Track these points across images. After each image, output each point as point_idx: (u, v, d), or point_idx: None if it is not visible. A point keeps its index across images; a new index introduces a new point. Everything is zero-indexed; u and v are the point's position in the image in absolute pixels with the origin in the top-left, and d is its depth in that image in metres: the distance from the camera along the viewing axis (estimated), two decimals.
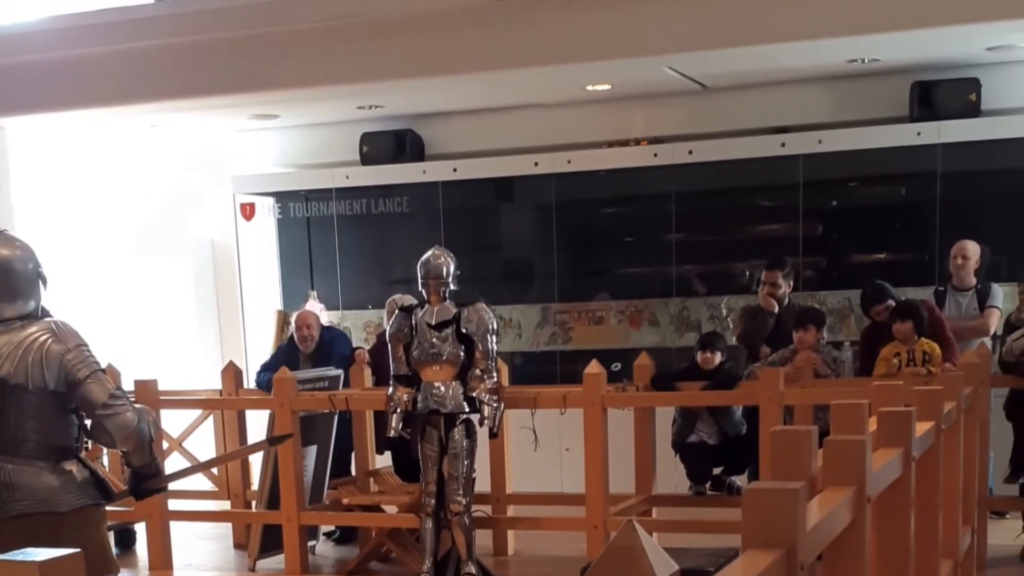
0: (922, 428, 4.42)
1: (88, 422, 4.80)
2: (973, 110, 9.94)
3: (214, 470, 9.66)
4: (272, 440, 6.95)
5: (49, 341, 4.63)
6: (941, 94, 10.01)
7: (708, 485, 8.78)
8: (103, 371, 4.78)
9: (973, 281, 8.95)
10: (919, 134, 9.99)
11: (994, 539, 7.89)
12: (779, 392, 7.62)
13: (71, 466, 4.73)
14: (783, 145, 10.38)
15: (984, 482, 7.68)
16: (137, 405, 4.93)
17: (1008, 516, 8.67)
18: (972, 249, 8.92)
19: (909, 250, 10.22)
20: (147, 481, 5.06)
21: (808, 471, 2.93)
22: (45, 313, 4.88)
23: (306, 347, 9.28)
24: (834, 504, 2.97)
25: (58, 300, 9.83)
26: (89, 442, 4.93)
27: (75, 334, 4.72)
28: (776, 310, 9.04)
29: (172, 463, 9.16)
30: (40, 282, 4.82)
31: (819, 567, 2.92)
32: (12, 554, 2.02)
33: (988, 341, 8.71)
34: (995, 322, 8.91)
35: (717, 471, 8.85)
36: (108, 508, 5.08)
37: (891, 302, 8.51)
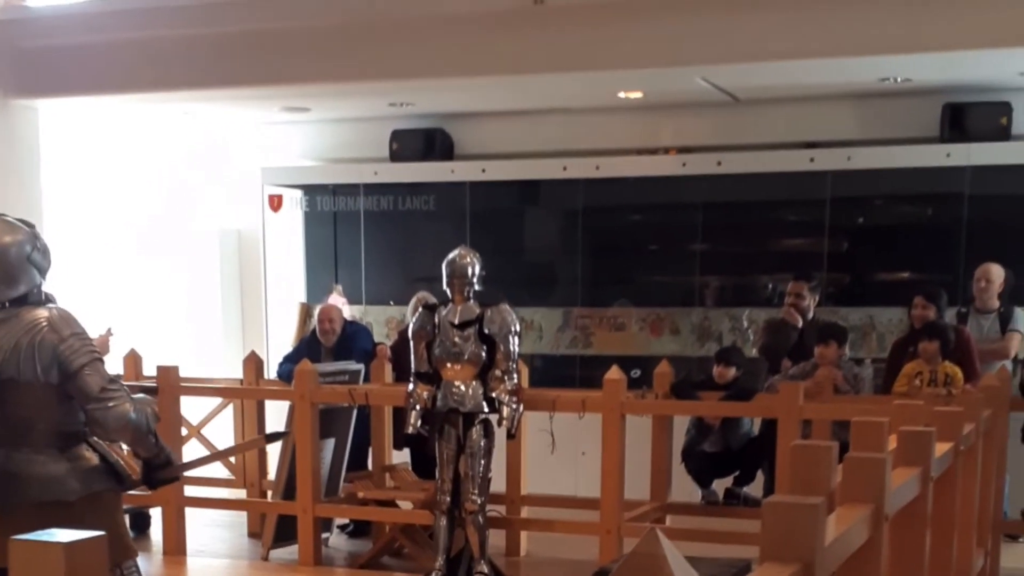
0: (941, 449, 4.42)
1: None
2: (1004, 134, 9.92)
3: (232, 459, 9.72)
4: (269, 437, 6.95)
5: (44, 331, 4.55)
6: (972, 116, 9.99)
7: (722, 496, 8.82)
8: (100, 360, 4.67)
9: (996, 304, 8.95)
10: (948, 155, 9.97)
11: (1006, 562, 7.88)
12: (798, 406, 7.62)
13: (80, 452, 4.66)
14: (812, 160, 10.37)
15: (999, 505, 7.67)
16: (136, 396, 4.82)
17: (1021, 540, 8.66)
18: (996, 272, 8.92)
19: (934, 270, 10.19)
20: (158, 471, 4.96)
21: (828, 486, 2.94)
22: (48, 299, 4.77)
23: (328, 340, 9.33)
24: (852, 521, 2.98)
25: (83, 285, 9.96)
26: None
27: (71, 322, 4.62)
28: (800, 324, 9.05)
29: (190, 450, 9.22)
30: (33, 267, 4.69)
31: None
32: (37, 534, 2.01)
33: (1009, 364, 8.72)
34: (1016, 345, 8.91)
35: (727, 481, 8.89)
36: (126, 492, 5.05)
37: (933, 308, 8.50)
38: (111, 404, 4.60)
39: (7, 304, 4.64)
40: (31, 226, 4.81)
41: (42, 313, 4.61)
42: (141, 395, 4.93)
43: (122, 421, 4.62)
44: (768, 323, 9.49)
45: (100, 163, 11.12)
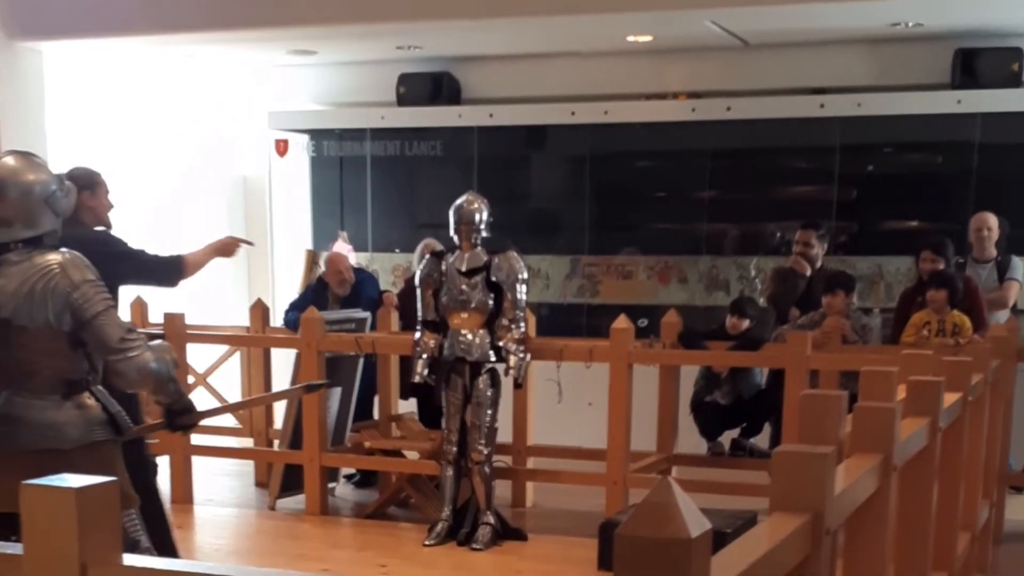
0: (949, 399, 4.40)
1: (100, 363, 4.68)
2: (1015, 80, 9.83)
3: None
4: (309, 387, 7.00)
5: (56, 276, 4.48)
6: (984, 63, 9.89)
7: (728, 448, 8.81)
8: (114, 308, 4.62)
9: (994, 253, 8.93)
10: (959, 102, 9.88)
11: (1011, 514, 7.87)
12: (806, 356, 7.58)
13: (81, 401, 4.61)
14: (822, 106, 10.29)
15: (1005, 456, 7.65)
16: (154, 343, 4.76)
17: None
18: (993, 221, 8.92)
19: (943, 219, 10.13)
20: (179, 417, 4.93)
21: (836, 436, 2.92)
22: (63, 242, 4.71)
23: (343, 289, 9.24)
24: (861, 471, 2.97)
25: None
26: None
27: (84, 268, 4.55)
28: (808, 273, 9.00)
29: (196, 398, 9.19)
30: (52, 210, 4.64)
31: (841, 532, 2.91)
32: (48, 479, 2.02)
33: (1007, 313, 8.71)
34: (1014, 294, 8.91)
35: (734, 433, 8.87)
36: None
37: (942, 261, 8.46)
38: (131, 355, 4.56)
39: (21, 244, 4.58)
40: None
41: (54, 258, 4.54)
42: (158, 341, 4.88)
43: (144, 371, 4.59)
44: (776, 272, 9.45)
45: (104, 108, 11.03)
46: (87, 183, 6.06)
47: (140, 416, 6.00)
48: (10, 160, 4.64)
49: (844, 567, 3.13)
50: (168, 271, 6.20)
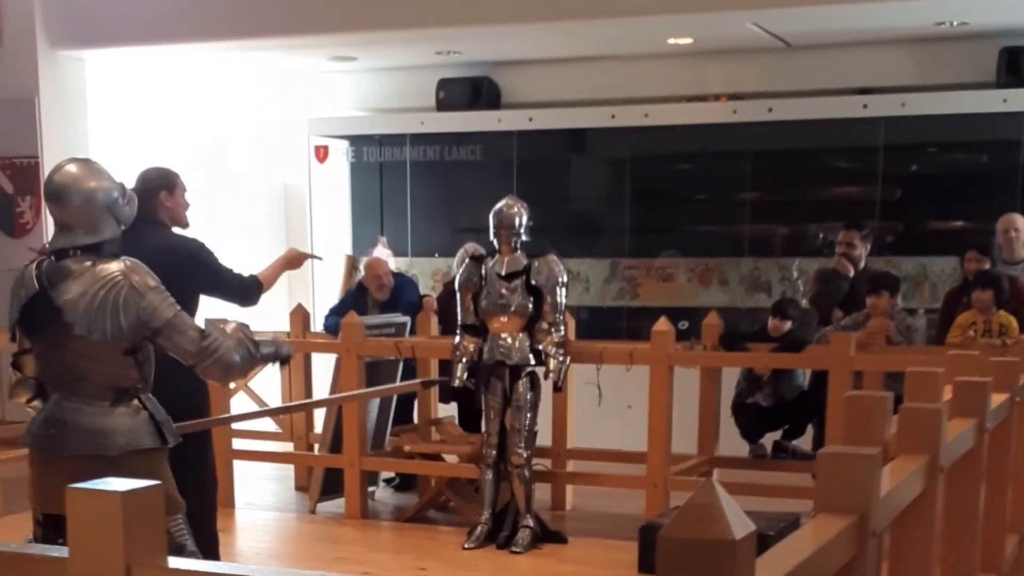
0: (997, 400, 4.34)
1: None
2: None
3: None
4: (426, 383, 7.06)
5: (124, 289, 4.47)
6: None
7: (770, 450, 8.73)
8: (182, 311, 4.61)
9: (1023, 254, 8.81)
10: (1005, 101, 9.78)
11: None
12: (850, 357, 7.51)
13: (130, 408, 4.61)
14: (865, 107, 10.20)
15: None
16: (228, 327, 4.73)
17: None
18: (1021, 222, 8.81)
19: (988, 219, 9.98)
20: (282, 363, 5.21)
21: (882, 437, 2.88)
22: (123, 250, 4.68)
23: (383, 294, 9.23)
24: (907, 472, 2.93)
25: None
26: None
27: (146, 274, 4.55)
28: (851, 273, 8.91)
29: (237, 403, 9.24)
30: (115, 217, 4.63)
31: (887, 535, 2.87)
32: (94, 483, 2.03)
33: None
34: None
35: (776, 435, 8.79)
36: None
37: (987, 261, 8.36)
38: (215, 357, 4.61)
39: (79, 251, 4.58)
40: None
41: (116, 267, 4.53)
42: (231, 324, 4.82)
43: (230, 368, 4.68)
44: (819, 272, 9.36)
45: (146, 114, 11.10)
46: (165, 183, 6.11)
47: (207, 410, 6.06)
48: (72, 167, 4.64)
49: (890, 569, 3.09)
50: (248, 291, 6.23)
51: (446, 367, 8.00)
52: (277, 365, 5.28)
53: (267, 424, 9.82)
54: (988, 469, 4.20)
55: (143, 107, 11.11)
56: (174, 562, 2.10)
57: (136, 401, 4.65)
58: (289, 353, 5.21)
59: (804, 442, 8.80)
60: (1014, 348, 6.94)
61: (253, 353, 4.79)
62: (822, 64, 10.40)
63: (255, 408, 9.79)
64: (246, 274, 6.26)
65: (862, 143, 10.32)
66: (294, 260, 6.60)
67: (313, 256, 7.01)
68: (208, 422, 5.99)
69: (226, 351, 4.65)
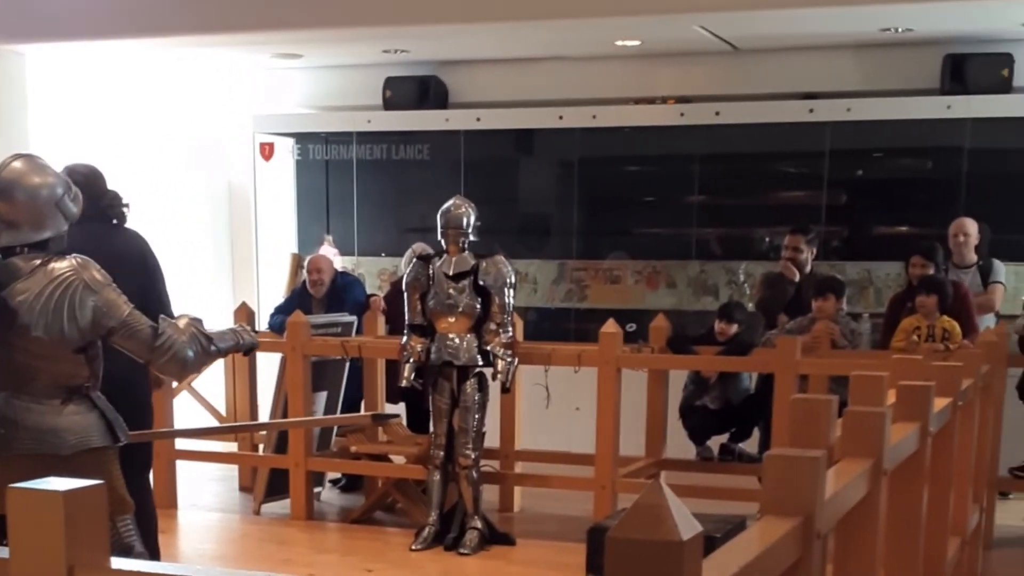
0: (940, 404, 4.38)
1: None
2: (1005, 86, 9.82)
3: (222, 412, 9.67)
4: (376, 416, 7.08)
5: (77, 287, 4.45)
6: (973, 68, 9.88)
7: (717, 452, 8.78)
8: (135, 308, 4.58)
9: (974, 258, 8.94)
10: (949, 107, 9.88)
11: (1001, 519, 7.86)
12: (795, 361, 7.56)
13: (80, 406, 4.59)
14: (811, 111, 10.27)
15: (995, 461, 7.63)
16: (180, 322, 4.72)
17: (1012, 497, 8.63)
18: (971, 227, 8.94)
19: (932, 224, 10.10)
20: (247, 354, 5.27)
21: (827, 441, 2.89)
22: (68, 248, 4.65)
23: (317, 292, 9.22)
24: (852, 475, 2.95)
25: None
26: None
27: (97, 271, 4.53)
28: (797, 278, 8.98)
29: (180, 403, 9.16)
30: (61, 213, 4.59)
31: (831, 537, 2.89)
32: (36, 483, 2.01)
33: (992, 318, 8.70)
34: (1000, 297, 8.92)
35: (722, 438, 8.84)
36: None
37: (932, 266, 8.44)
38: (170, 354, 4.60)
39: (27, 249, 4.52)
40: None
41: (67, 264, 4.50)
42: (183, 320, 4.80)
43: (185, 363, 4.68)
44: (765, 277, 9.42)
45: (87, 112, 10.97)
46: (100, 179, 6.03)
47: (150, 420, 5.99)
48: (17, 164, 4.59)
49: (835, 571, 3.11)
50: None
51: (393, 367, 7.98)
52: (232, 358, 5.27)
53: (212, 423, 9.73)
54: (931, 472, 4.23)
55: (85, 103, 10.99)
56: (117, 563, 2.07)
57: (86, 399, 4.63)
58: (252, 343, 5.19)
59: (751, 445, 8.85)
60: (957, 353, 7.01)
61: (207, 348, 4.77)
62: (769, 68, 10.46)
63: (198, 408, 9.75)
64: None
65: (808, 148, 10.38)
66: None
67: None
68: (153, 434, 5.92)
69: (180, 347, 4.64)
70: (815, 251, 9.23)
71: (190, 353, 4.67)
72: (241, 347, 5.09)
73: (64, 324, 4.45)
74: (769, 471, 2.39)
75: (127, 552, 4.62)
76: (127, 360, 4.73)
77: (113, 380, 4.83)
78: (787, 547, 2.26)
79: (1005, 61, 9.81)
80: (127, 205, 6.05)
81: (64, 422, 4.54)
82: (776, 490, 2.37)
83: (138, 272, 5.61)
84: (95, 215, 5.54)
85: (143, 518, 4.94)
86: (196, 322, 4.81)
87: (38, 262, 4.50)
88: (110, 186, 6.02)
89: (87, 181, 5.58)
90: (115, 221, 5.91)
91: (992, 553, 7.37)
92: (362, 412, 8.89)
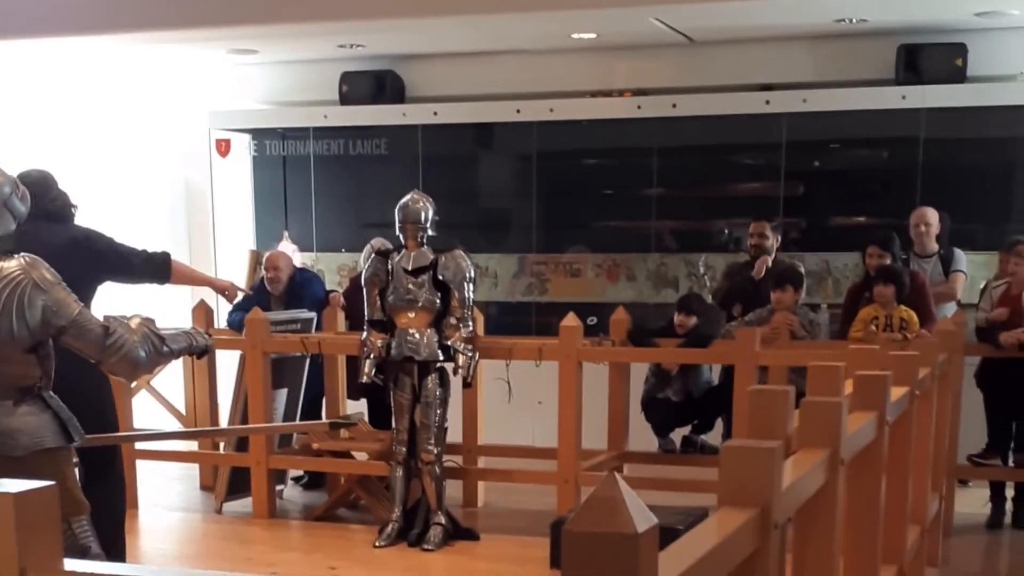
0: (897, 393, 4.41)
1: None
2: (959, 75, 9.88)
3: (182, 411, 9.61)
4: (334, 423, 7.06)
5: (26, 286, 4.41)
6: (927, 58, 9.94)
7: (679, 445, 8.80)
8: (84, 307, 4.57)
9: (935, 247, 8.99)
10: (904, 97, 9.93)
11: (960, 507, 7.91)
12: (754, 352, 7.59)
13: (32, 407, 4.54)
14: (768, 103, 10.30)
15: (953, 449, 7.69)
16: (131, 322, 4.71)
17: (971, 484, 8.68)
18: (932, 216, 8.98)
19: (888, 214, 10.17)
20: (200, 357, 5.19)
21: (784, 431, 2.91)
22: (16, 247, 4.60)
23: (274, 289, 9.17)
24: (809, 465, 2.96)
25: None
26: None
27: (46, 270, 4.50)
28: (762, 275, 8.89)
29: (139, 402, 9.10)
30: (9, 213, 4.55)
31: (790, 527, 2.90)
32: None
33: (954, 306, 8.76)
34: (961, 286, 8.97)
35: (685, 430, 8.87)
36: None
37: (888, 256, 8.47)
38: (121, 354, 4.57)
39: None
40: None
41: (15, 264, 4.46)
42: (135, 320, 4.78)
43: (137, 364, 4.64)
44: (728, 267, 9.45)
45: (40, 109, 10.88)
46: (52, 179, 6.02)
47: (114, 420, 5.95)
48: None
49: (794, 561, 3.12)
50: (158, 266, 6.18)
51: (354, 364, 7.96)
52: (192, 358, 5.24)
53: (171, 422, 9.68)
54: (889, 461, 4.26)
55: (39, 100, 10.89)
56: (70, 564, 2.06)
57: (38, 400, 4.59)
58: (206, 345, 5.15)
59: (714, 437, 8.89)
60: (914, 342, 7.06)
61: (159, 348, 4.73)
62: (725, 60, 10.49)
63: (157, 407, 9.69)
64: (156, 252, 6.18)
65: (765, 139, 10.42)
66: (225, 288, 6.88)
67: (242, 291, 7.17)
68: (114, 437, 5.87)
69: (131, 347, 4.60)
70: (779, 237, 9.25)
71: (142, 353, 4.64)
72: (195, 349, 5.05)
73: (13, 324, 4.41)
74: (725, 462, 2.40)
75: (83, 553, 4.59)
76: (79, 359, 4.68)
77: (65, 379, 4.79)
78: (744, 538, 2.27)
79: (959, 51, 9.87)
80: (75, 206, 6.02)
81: (17, 423, 4.50)
82: (733, 481, 2.38)
83: (87, 260, 5.60)
84: (42, 214, 5.50)
85: (110, 518, 4.89)
86: (148, 322, 4.77)
87: None
88: (62, 186, 5.99)
89: (35, 182, 5.55)
90: (63, 221, 5.88)
91: (952, 540, 7.43)
92: (323, 408, 8.88)
